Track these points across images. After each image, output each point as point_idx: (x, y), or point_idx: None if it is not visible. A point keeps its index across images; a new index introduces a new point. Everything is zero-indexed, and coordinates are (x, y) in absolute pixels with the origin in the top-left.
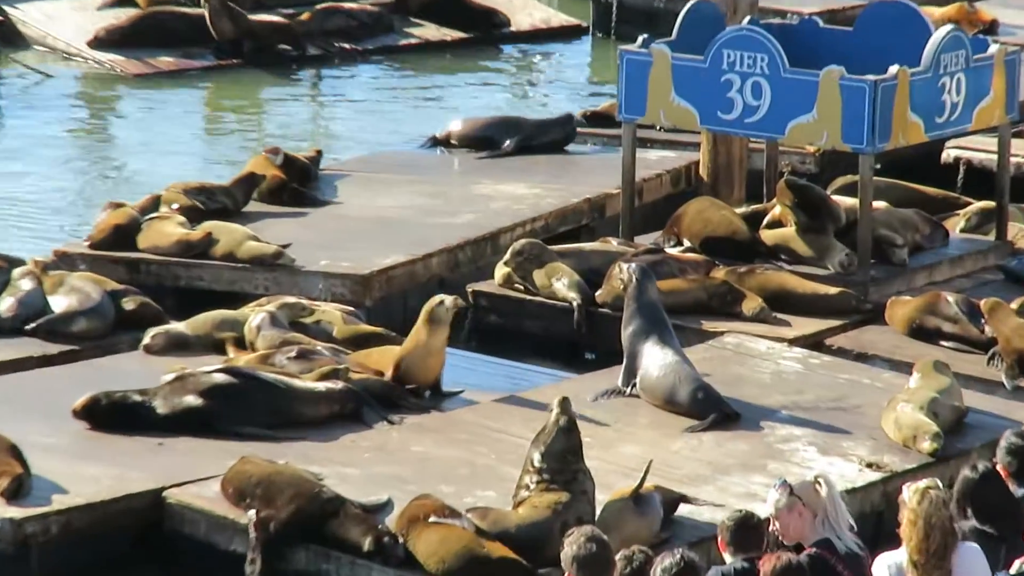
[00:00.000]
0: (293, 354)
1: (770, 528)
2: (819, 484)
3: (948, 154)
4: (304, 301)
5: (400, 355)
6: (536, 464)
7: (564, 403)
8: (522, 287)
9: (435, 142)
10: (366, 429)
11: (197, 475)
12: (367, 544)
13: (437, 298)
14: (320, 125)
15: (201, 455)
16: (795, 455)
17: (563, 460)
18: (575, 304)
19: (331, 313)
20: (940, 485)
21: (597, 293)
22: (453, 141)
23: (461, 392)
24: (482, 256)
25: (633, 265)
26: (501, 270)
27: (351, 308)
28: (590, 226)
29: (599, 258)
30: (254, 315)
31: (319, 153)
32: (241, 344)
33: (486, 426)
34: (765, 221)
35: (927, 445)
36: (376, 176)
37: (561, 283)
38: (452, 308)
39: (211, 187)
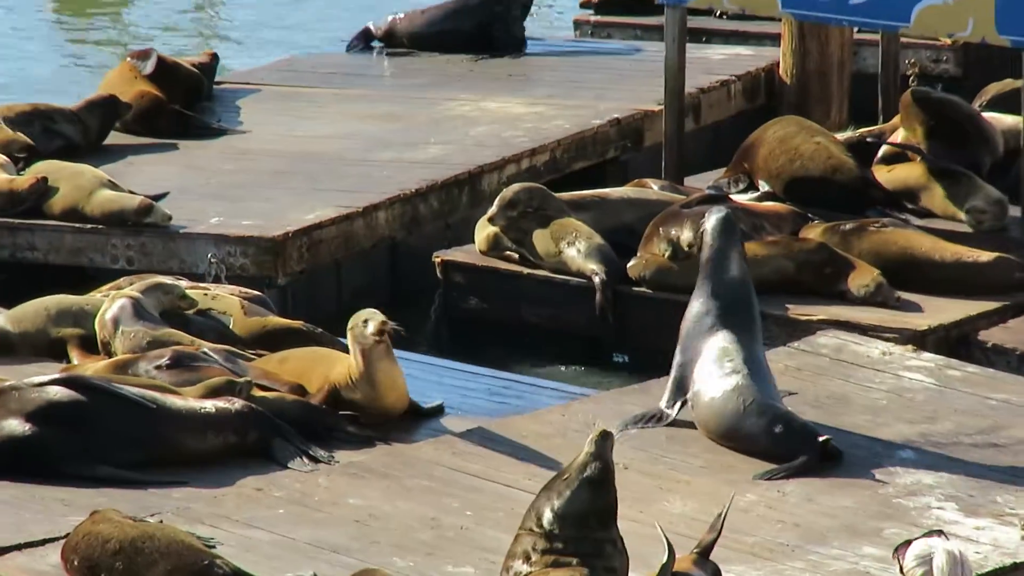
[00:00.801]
0: (167, 360)
1: None
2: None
3: None
4: (184, 282)
5: (333, 381)
6: (545, 524)
7: (603, 440)
8: (516, 255)
9: (368, 38)
10: (279, 470)
11: (25, 538)
12: None
13: (360, 316)
14: (214, 16)
15: (31, 509)
16: (925, 515)
17: (584, 526)
18: (597, 280)
19: (225, 299)
20: None
21: (630, 264)
22: (401, 39)
23: (440, 409)
24: (455, 209)
25: (714, 212)
26: (485, 230)
27: (255, 292)
28: (620, 161)
29: (632, 210)
30: (109, 303)
31: (213, 58)
32: (90, 345)
33: (459, 468)
34: (880, 153)
35: None
36: (297, 91)
37: (576, 249)
38: (375, 335)
39: (49, 111)
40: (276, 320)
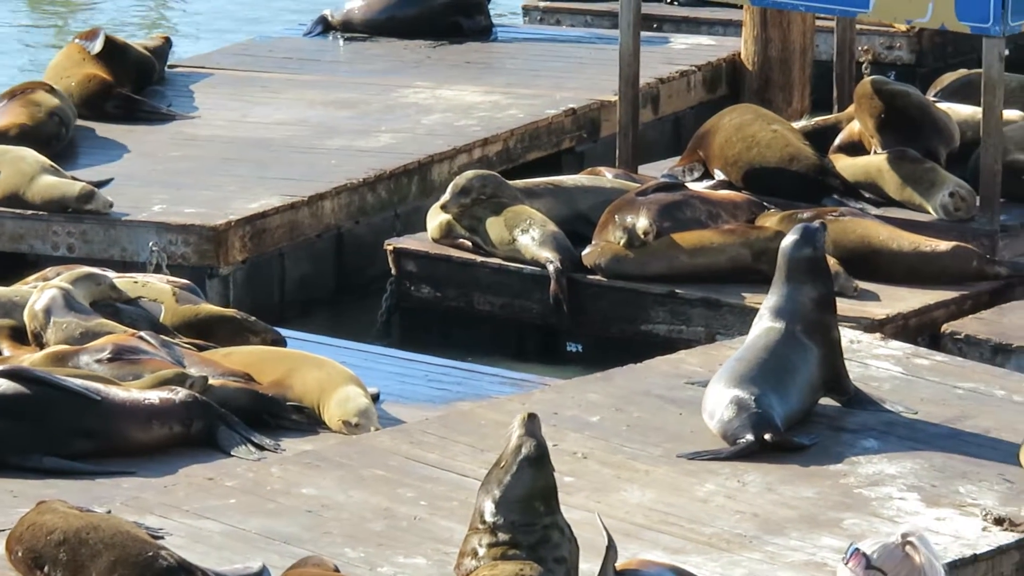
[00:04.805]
0: (107, 353)
1: None
2: (912, 546)
3: None
4: (111, 272)
5: (297, 396)
6: (488, 519)
7: (529, 422)
8: (469, 243)
9: (326, 27)
10: (231, 459)
11: None
12: None
13: (351, 412)
14: (174, 9)
15: None
16: (886, 505)
17: (528, 510)
18: (551, 268)
19: (155, 286)
20: None
21: (585, 252)
22: (355, 25)
23: (375, 396)
24: (406, 197)
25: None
26: (437, 218)
27: (183, 280)
28: (576, 151)
29: (587, 198)
30: (38, 293)
31: (166, 41)
32: (20, 336)
33: (413, 457)
34: (838, 142)
35: None
36: (252, 75)
37: (530, 237)
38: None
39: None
40: (209, 308)
